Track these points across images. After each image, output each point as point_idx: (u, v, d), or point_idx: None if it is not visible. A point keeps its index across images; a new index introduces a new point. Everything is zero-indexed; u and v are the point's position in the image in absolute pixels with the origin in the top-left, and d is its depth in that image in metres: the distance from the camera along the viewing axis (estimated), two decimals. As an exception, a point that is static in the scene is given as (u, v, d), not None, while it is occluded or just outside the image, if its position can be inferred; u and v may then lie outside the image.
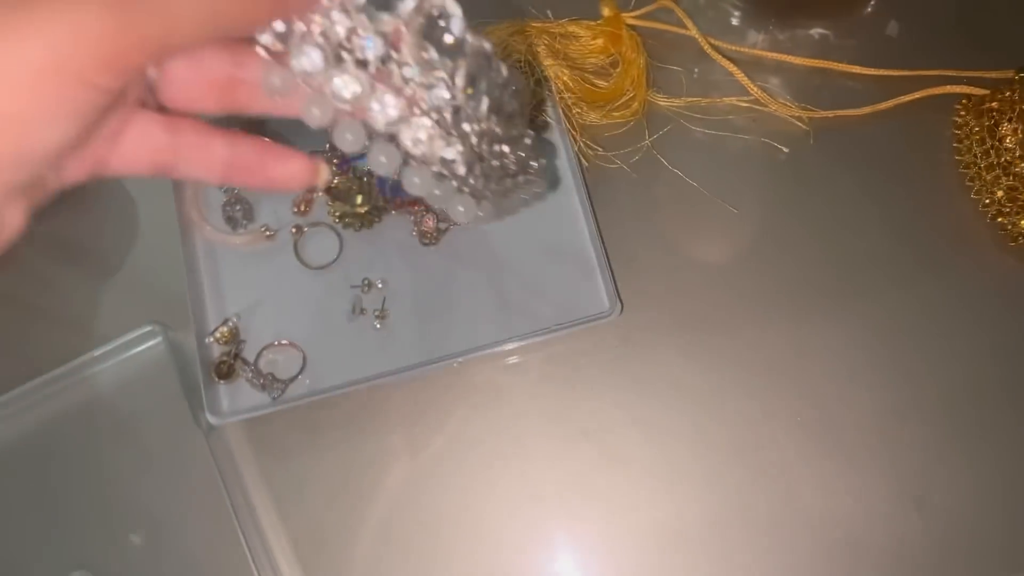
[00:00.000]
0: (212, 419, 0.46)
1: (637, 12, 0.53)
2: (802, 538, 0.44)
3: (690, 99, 0.52)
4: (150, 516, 0.47)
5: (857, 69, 0.51)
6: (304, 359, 0.48)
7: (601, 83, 0.52)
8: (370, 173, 0.50)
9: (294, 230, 0.50)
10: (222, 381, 0.47)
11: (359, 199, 0.50)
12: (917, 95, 0.50)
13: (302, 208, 0.51)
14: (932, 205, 0.50)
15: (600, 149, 0.50)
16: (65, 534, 0.46)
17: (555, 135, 0.51)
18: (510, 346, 0.47)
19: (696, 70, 0.53)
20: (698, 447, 0.46)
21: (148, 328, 0.48)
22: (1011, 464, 0.45)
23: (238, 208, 0.51)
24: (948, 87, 0.50)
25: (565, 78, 0.50)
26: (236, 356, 0.48)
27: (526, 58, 0.51)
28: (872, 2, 0.54)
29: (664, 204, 0.50)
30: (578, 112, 0.51)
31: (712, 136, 0.51)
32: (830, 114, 0.51)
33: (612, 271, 0.47)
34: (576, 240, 0.49)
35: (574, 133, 0.50)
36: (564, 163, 0.51)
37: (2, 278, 0.50)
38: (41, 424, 0.48)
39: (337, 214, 0.50)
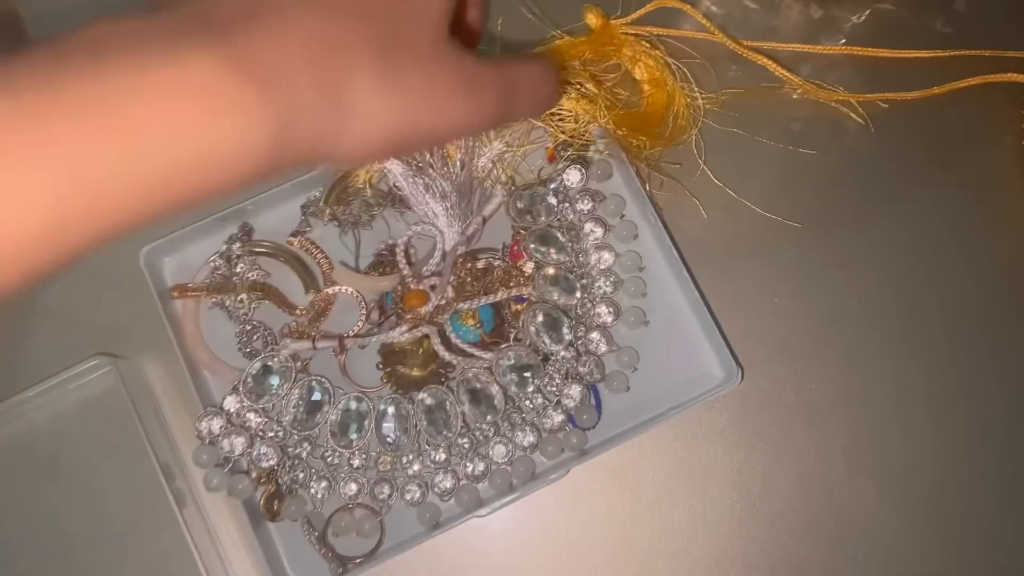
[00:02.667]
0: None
1: (631, 17, 0.45)
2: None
3: (729, 90, 0.45)
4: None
5: (904, 53, 0.46)
6: (382, 529, 0.40)
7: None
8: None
9: (335, 351, 0.41)
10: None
11: (418, 360, 0.41)
12: (973, 81, 0.45)
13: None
14: (994, 215, 0.45)
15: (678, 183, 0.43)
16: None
17: (619, 185, 0.43)
18: (615, 447, 0.40)
19: (727, 72, 0.46)
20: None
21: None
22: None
23: (256, 338, 0.41)
24: (1011, 75, 0.45)
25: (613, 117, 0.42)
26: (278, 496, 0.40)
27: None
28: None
29: (728, 227, 0.45)
30: (636, 144, 0.43)
31: (750, 139, 0.45)
32: (876, 97, 0.45)
33: (723, 332, 0.41)
34: (672, 299, 0.43)
35: (640, 172, 0.43)
36: (638, 211, 0.43)
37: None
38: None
39: (388, 378, 0.41)
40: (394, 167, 0.41)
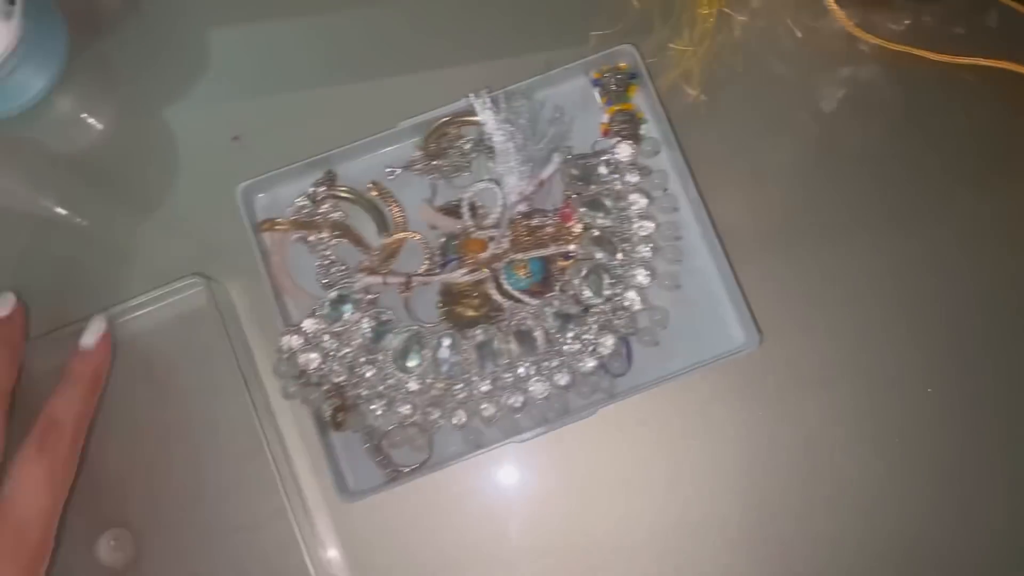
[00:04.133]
0: (340, 498, 0.44)
1: None
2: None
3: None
4: (191, 477, 0.47)
5: (933, 56, 0.49)
6: (431, 445, 0.46)
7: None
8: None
9: (401, 288, 0.47)
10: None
11: (474, 301, 0.46)
12: (1004, 64, 0.48)
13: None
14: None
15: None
16: (100, 491, 0.46)
17: (665, 162, 0.48)
18: (635, 396, 0.45)
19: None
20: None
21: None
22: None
23: (333, 271, 0.46)
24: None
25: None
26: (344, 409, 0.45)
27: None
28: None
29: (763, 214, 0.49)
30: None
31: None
32: (897, 47, 0.49)
33: (748, 301, 0.46)
34: (703, 268, 0.47)
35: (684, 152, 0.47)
36: (680, 187, 0.48)
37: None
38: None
39: (445, 315, 0.46)
40: (489, 122, 0.46)
